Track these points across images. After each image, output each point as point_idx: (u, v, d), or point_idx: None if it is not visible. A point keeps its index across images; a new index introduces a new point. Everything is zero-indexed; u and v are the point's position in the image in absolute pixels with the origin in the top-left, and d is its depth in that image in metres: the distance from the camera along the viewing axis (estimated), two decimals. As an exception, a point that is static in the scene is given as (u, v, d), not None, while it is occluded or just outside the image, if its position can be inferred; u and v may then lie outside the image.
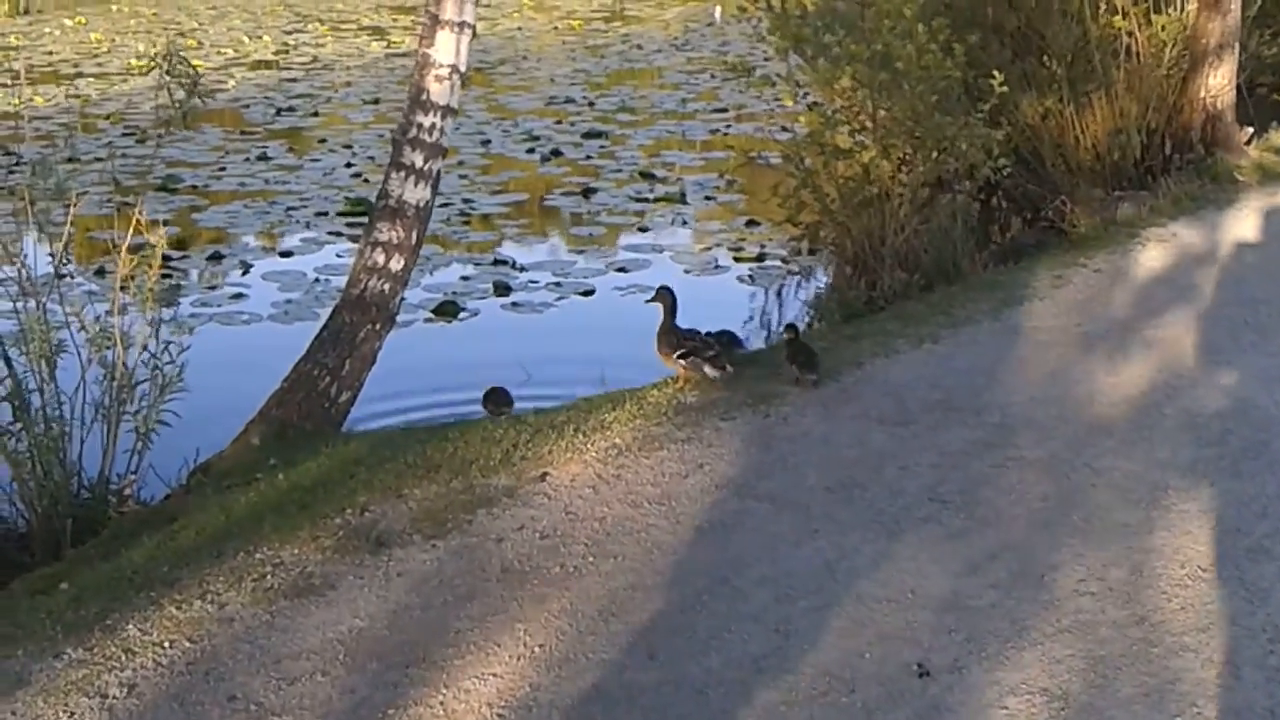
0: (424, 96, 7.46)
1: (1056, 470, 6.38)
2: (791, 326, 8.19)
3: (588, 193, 15.96)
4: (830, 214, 10.71)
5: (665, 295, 7.44)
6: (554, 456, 6.65)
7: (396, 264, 7.52)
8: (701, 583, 5.49)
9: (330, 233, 14.33)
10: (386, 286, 7.52)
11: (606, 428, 6.97)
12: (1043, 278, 9.32)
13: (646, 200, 15.74)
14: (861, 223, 10.36)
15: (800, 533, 5.88)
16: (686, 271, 12.87)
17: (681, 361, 7.24)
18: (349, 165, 17.38)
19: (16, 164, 17.29)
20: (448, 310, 11.70)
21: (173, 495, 6.79)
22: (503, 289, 12.30)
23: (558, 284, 12.47)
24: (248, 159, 17.89)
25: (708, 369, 7.25)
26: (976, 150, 10.17)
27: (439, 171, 7.59)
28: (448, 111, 7.52)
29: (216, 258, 13.47)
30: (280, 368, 9.74)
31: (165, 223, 14.91)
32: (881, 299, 9.53)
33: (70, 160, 17.24)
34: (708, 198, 15.78)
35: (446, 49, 7.46)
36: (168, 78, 7.35)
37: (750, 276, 12.69)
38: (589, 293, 12.26)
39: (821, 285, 11.65)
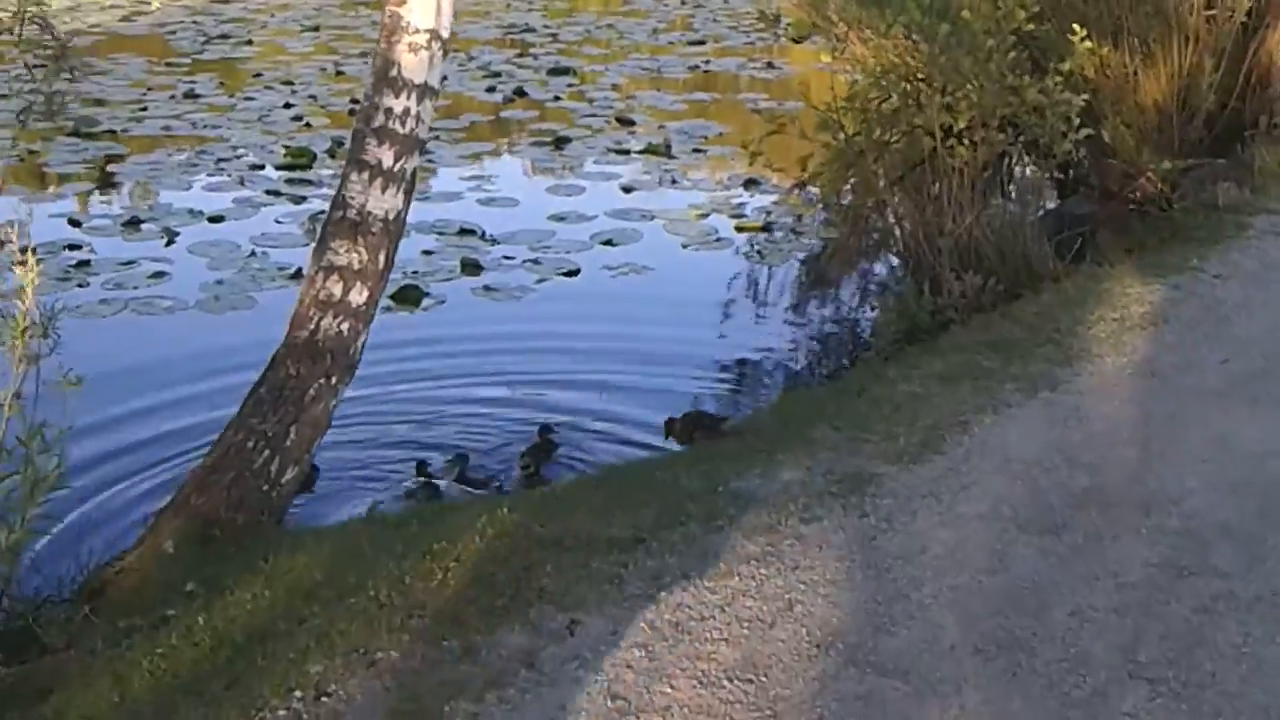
0: (393, 72, 5.34)
1: (1292, 620, 4.45)
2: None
3: (559, 143, 13.81)
4: (873, 193, 8.69)
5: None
6: (583, 590, 4.64)
7: (358, 296, 5.44)
8: (833, 846, 3.54)
9: (268, 191, 12.09)
10: (345, 326, 5.44)
11: (650, 536, 4.97)
12: (1154, 287, 7.36)
13: (627, 152, 13.63)
14: (913, 206, 8.36)
15: (961, 740, 3.93)
16: (684, 246, 10.83)
17: None
18: (288, 106, 15.07)
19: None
20: (410, 297, 9.58)
21: (48, 647, 4.69)
22: (473, 268, 10.20)
23: (536, 261, 10.38)
24: (174, 96, 15.52)
25: None
26: (1057, 120, 8.15)
27: (414, 172, 5.50)
28: (425, 91, 5.40)
29: (135, 223, 11.23)
30: (209, 391, 7.74)
31: (77, 177, 12.77)
32: (950, 308, 7.54)
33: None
34: (696, 150, 13.69)
35: (424, 8, 5.33)
36: (20, 49, 4.95)
37: (759, 252, 10.66)
38: (573, 272, 10.20)
39: (860, 275, 9.65)
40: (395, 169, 5.41)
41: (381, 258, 5.47)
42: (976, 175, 8.29)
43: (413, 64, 5.35)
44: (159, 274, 10.05)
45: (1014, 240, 8.17)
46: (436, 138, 13.87)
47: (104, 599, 5.00)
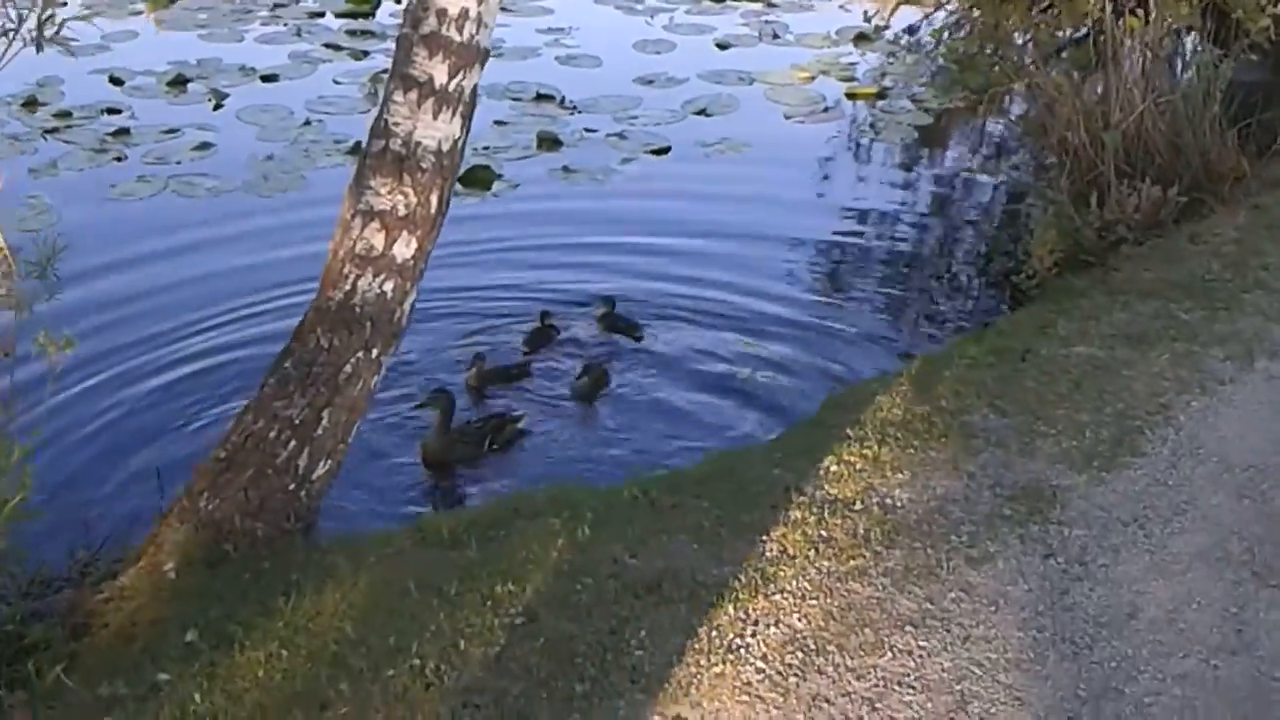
0: (447, -39, 4.02)
1: None
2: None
3: (648, -13, 12.28)
4: (1019, 71, 7.24)
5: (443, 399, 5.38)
6: (691, 664, 3.50)
7: (404, 248, 4.21)
8: None
9: (326, 44, 10.78)
10: (388, 286, 4.23)
11: (771, 581, 3.80)
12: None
13: (721, 0, 12.08)
14: (1071, 89, 6.90)
15: None
16: (787, 117, 9.41)
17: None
18: (353, -61, 13.57)
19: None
20: (480, 179, 8.31)
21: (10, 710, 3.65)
22: (551, 143, 8.88)
23: (621, 135, 9.04)
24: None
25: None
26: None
27: (475, 90, 4.21)
28: (490, -14, 4.10)
29: (180, 83, 9.99)
30: (252, 315, 6.60)
31: (122, 26, 11.48)
32: (1122, 224, 6.17)
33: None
34: (800, -4, 12.12)
35: (487, -126, 3.99)
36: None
37: (872, 125, 9.23)
38: (663, 150, 8.85)
39: (997, 159, 8.21)
40: (450, 87, 4.12)
41: (434, 200, 4.22)
42: (1152, 53, 6.81)
43: (472, -50, 4.02)
44: (204, 145, 8.85)
45: (1191, 132, 6.73)
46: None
47: (88, 638, 3.93)
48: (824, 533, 3.99)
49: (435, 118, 4.15)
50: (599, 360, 6.00)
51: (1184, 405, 4.55)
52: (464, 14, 4.07)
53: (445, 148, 4.20)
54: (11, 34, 3.78)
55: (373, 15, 11.49)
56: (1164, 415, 4.50)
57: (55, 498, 5.03)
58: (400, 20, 4.26)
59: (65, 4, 4.01)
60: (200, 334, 6.43)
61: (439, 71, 4.11)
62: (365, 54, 10.50)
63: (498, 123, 9.15)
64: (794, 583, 3.77)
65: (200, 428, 5.52)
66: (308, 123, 9.19)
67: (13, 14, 3.80)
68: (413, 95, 4.14)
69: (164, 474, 5.12)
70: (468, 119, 4.24)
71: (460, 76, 4.15)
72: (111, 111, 9.37)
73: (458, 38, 4.09)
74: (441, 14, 4.06)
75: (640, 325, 6.36)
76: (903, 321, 6.48)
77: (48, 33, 3.71)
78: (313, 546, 4.17)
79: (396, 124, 4.16)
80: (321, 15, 11.54)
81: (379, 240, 4.22)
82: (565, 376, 5.94)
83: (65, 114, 9.29)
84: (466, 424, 5.50)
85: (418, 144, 4.16)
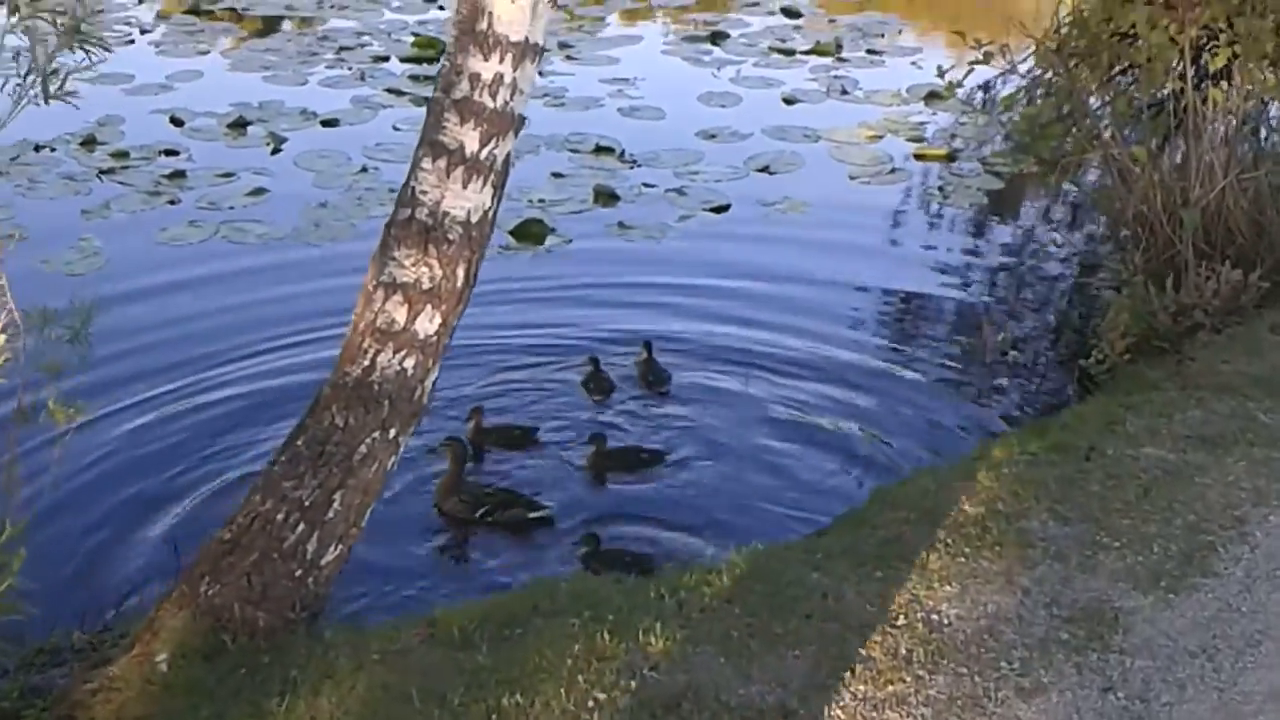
0: (483, 24, 3.77)
1: None
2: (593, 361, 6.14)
3: (716, 39, 12.05)
4: (1092, 143, 6.89)
5: (455, 448, 5.35)
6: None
7: (427, 323, 3.96)
8: None
9: (388, 89, 10.66)
10: (409, 363, 3.98)
11: (802, 705, 3.47)
12: None
13: (791, 52, 11.82)
14: (1149, 162, 6.55)
15: None
16: (852, 177, 9.10)
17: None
18: (423, -17, 13.54)
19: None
20: (532, 233, 8.09)
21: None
22: (607, 198, 8.65)
23: (680, 191, 8.78)
24: (303, -36, 14.06)
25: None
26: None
27: (508, 159, 3.96)
28: (526, 51, 3.83)
29: (240, 125, 9.88)
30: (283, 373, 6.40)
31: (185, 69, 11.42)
32: (1198, 309, 5.80)
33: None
34: (870, 52, 11.82)
35: (525, -65, 3.74)
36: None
37: (940, 189, 8.89)
38: (722, 208, 8.58)
39: (1067, 230, 7.87)
40: (482, 156, 3.87)
41: (460, 273, 3.96)
42: (1235, 123, 6.45)
43: (510, 14, 3.77)
44: (258, 190, 8.71)
45: (1275, 210, 6.36)
46: (580, 27, 12.29)
47: (72, 730, 3.69)
48: (862, 651, 3.66)
49: (465, 187, 3.90)
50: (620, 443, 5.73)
51: (1261, 519, 4.18)
52: (498, 79, 3.82)
53: (474, 219, 3.94)
54: (19, 91, 3.58)
55: (437, 60, 11.32)
56: (1238, 530, 4.13)
57: (73, 550, 4.92)
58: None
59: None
60: (229, 384, 6.26)
61: (470, 139, 3.86)
62: (427, 100, 10.33)
63: (555, 175, 8.94)
64: (826, 709, 3.45)
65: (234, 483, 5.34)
66: (364, 169, 9.06)
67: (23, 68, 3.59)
68: (441, 163, 3.89)
69: (183, 535, 4.95)
70: (499, 189, 3.98)
71: (492, 144, 3.89)
72: (169, 153, 9.28)
73: (491, 104, 3.83)
74: (475, 78, 3.81)
75: (668, 379, 6.19)
76: (963, 399, 6.14)
77: (51, 88, 3.51)
78: (315, 638, 3.90)
79: (424, 192, 3.91)
80: (386, 59, 11.44)
81: (401, 314, 3.96)
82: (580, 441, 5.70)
83: (123, 154, 9.21)
84: (483, 485, 5.32)
85: (445, 214, 3.91)
